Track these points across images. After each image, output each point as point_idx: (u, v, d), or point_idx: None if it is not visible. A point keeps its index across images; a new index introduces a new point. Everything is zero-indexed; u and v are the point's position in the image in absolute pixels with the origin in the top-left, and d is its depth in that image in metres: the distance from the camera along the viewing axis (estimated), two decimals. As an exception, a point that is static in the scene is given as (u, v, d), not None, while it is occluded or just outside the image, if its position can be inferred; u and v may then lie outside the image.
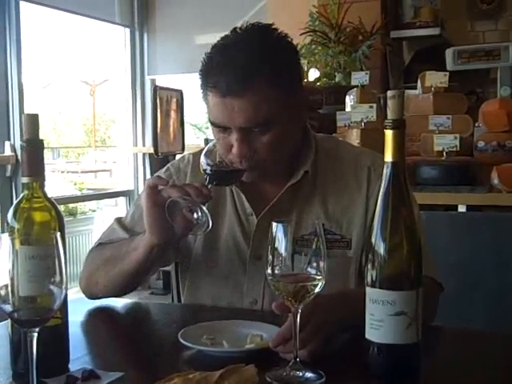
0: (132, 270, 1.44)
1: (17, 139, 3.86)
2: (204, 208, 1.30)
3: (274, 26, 1.48)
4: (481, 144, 3.04)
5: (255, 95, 1.37)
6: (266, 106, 1.39)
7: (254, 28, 1.46)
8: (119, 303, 1.58)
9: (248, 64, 1.37)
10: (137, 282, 1.53)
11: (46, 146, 1.10)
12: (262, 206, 1.53)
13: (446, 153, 3.01)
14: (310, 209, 1.53)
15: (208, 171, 1.34)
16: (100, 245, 1.60)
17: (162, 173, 1.65)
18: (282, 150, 1.47)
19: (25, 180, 1.07)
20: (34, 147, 1.07)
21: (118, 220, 1.63)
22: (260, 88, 1.37)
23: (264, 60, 1.39)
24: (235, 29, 1.45)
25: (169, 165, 1.68)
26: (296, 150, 1.54)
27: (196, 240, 1.58)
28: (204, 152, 1.37)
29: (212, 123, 1.46)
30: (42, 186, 1.08)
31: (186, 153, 1.74)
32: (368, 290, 1.01)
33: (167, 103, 4.13)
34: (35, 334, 0.93)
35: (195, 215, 1.30)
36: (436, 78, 3.29)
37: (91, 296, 1.55)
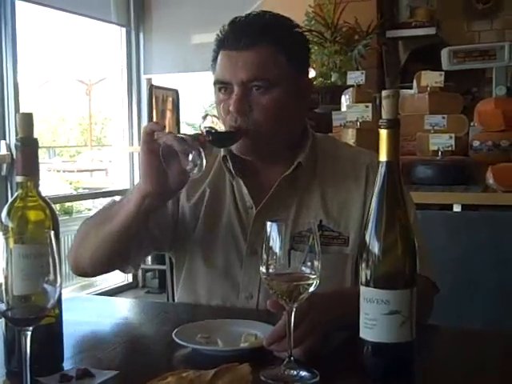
0: (121, 226, 1.38)
1: (12, 138, 3.86)
2: (200, 149, 1.28)
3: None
4: (476, 143, 3.05)
5: (260, 52, 1.45)
6: (268, 65, 1.45)
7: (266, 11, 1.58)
8: (114, 301, 1.58)
9: (258, 25, 1.49)
10: (124, 248, 1.45)
11: (41, 144, 1.10)
12: (261, 199, 1.54)
13: (442, 152, 3.02)
14: (310, 205, 1.53)
15: (205, 131, 1.35)
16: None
17: None
18: (277, 120, 1.48)
19: (19, 179, 1.07)
20: (29, 146, 1.07)
21: (113, 201, 1.62)
22: (266, 48, 1.45)
23: (274, 27, 1.50)
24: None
25: None
26: (294, 142, 1.56)
27: (193, 232, 1.58)
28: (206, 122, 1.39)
29: (215, 83, 1.51)
30: (36, 185, 1.08)
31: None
32: (362, 288, 1.01)
33: (163, 102, 4.13)
34: (29, 333, 0.93)
35: (190, 157, 1.29)
36: (431, 78, 3.29)
37: (78, 270, 1.52)
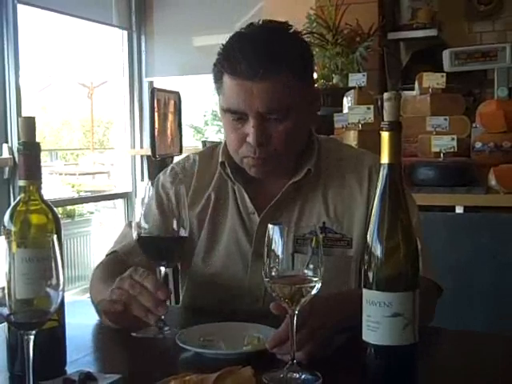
0: None
1: (14, 141, 3.86)
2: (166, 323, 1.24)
3: (288, 24, 1.51)
4: (478, 145, 3.04)
5: (276, 82, 1.40)
6: (284, 94, 1.41)
7: (270, 22, 1.50)
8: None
9: (270, 49, 1.40)
10: None
11: (43, 148, 1.11)
12: (264, 204, 1.54)
13: (444, 154, 3.01)
14: (312, 207, 1.53)
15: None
16: (113, 253, 1.57)
17: (167, 173, 1.66)
18: (294, 142, 1.48)
19: (21, 183, 1.08)
20: (31, 150, 1.07)
21: (129, 224, 1.62)
22: (282, 76, 1.40)
23: (286, 48, 1.43)
24: (251, 23, 1.49)
25: (173, 164, 1.69)
26: (301, 149, 1.56)
27: (198, 239, 1.58)
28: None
29: (227, 111, 1.46)
30: (38, 189, 1.08)
31: (189, 153, 1.74)
32: (364, 291, 1.01)
33: (165, 105, 4.12)
34: (32, 337, 0.93)
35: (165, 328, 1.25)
36: (433, 79, 3.29)
37: None
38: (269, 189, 1.56)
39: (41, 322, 0.94)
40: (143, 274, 1.23)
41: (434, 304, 1.47)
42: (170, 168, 1.68)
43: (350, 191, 1.54)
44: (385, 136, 1.01)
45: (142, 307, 1.20)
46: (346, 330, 1.17)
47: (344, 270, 1.51)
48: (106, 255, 1.59)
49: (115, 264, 1.52)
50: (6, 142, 3.87)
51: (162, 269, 1.20)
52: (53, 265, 0.92)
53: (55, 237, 0.94)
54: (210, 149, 1.69)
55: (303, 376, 1.06)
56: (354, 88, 3.31)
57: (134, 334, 1.15)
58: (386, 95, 1.02)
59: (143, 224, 1.26)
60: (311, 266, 1.06)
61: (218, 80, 1.47)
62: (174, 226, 1.26)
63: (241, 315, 1.39)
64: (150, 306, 1.20)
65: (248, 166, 1.50)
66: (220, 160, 1.57)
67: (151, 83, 5.22)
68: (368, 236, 1.01)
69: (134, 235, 1.28)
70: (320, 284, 1.06)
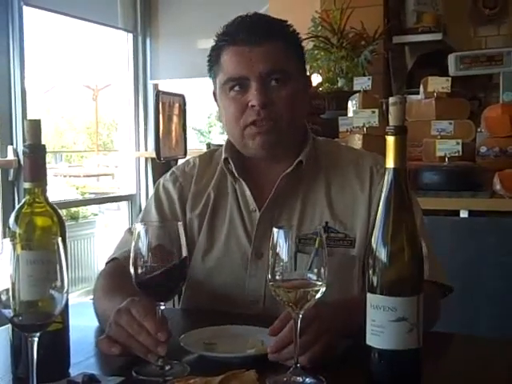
0: None
1: (19, 143, 3.86)
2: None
3: None
4: (483, 149, 3.04)
5: (274, 45, 1.48)
6: (283, 58, 1.49)
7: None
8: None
9: (265, 20, 1.54)
10: None
11: (47, 149, 1.11)
12: (263, 202, 1.54)
13: (448, 158, 3.01)
14: (314, 206, 1.54)
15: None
16: (114, 260, 1.56)
17: (167, 177, 1.66)
18: (294, 112, 1.51)
19: (26, 185, 1.08)
20: (36, 153, 1.08)
21: (129, 230, 1.62)
22: (278, 42, 1.48)
23: (280, 24, 1.54)
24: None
25: (173, 169, 1.70)
26: (297, 141, 1.57)
27: (197, 239, 1.58)
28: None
29: (227, 81, 1.50)
30: (43, 192, 1.09)
31: (189, 157, 1.75)
32: (369, 295, 1.01)
33: (169, 108, 4.13)
34: (36, 339, 0.93)
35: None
36: (438, 83, 3.28)
37: None
38: (268, 186, 1.56)
39: (45, 324, 0.94)
40: (141, 311, 1.15)
41: (438, 308, 1.47)
42: (170, 172, 1.69)
43: (352, 191, 1.55)
44: (390, 140, 1.01)
45: (142, 347, 1.13)
46: (350, 334, 1.16)
47: (347, 270, 1.50)
48: (106, 263, 1.59)
49: (116, 272, 1.50)
50: (11, 144, 3.88)
51: (162, 307, 1.16)
52: (57, 267, 0.92)
53: (60, 239, 0.94)
54: (210, 152, 1.71)
55: (307, 380, 1.06)
56: (358, 92, 3.31)
57: (134, 375, 1.12)
58: (391, 99, 1.02)
59: (140, 263, 1.13)
60: (315, 270, 1.06)
61: (216, 61, 1.53)
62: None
63: (243, 317, 1.39)
64: (149, 346, 1.13)
65: (251, 137, 1.50)
66: (223, 156, 1.58)
67: (156, 86, 5.23)
68: (373, 240, 1.01)
69: (132, 272, 1.14)
70: (324, 288, 1.06)
